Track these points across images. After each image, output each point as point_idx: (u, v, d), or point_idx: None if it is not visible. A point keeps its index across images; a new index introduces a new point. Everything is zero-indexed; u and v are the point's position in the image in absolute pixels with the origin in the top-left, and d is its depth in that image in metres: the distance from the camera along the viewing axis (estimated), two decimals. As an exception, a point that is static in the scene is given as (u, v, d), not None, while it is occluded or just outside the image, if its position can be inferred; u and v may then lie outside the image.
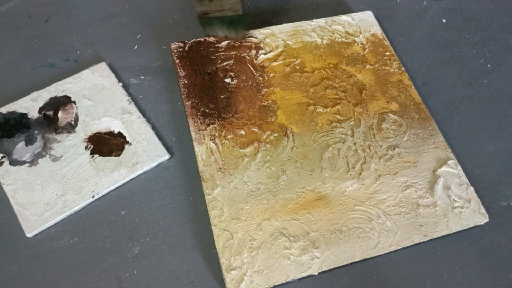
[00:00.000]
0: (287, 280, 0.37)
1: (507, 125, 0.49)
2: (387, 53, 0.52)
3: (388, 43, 0.53)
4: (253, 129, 0.45)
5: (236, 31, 0.45)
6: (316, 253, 0.38)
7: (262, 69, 0.49)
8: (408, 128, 0.46)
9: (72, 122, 0.45)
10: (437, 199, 0.42)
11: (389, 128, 0.46)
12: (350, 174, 0.43)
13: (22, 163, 0.42)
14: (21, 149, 0.43)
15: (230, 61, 0.49)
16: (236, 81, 0.48)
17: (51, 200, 0.40)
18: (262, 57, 0.50)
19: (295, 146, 0.44)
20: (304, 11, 0.57)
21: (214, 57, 0.49)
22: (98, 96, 0.46)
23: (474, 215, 0.41)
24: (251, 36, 0.51)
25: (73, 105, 0.46)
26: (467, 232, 0.41)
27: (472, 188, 0.43)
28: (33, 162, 0.42)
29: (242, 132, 0.44)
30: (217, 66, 0.49)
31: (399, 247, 0.39)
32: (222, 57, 0.49)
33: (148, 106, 0.47)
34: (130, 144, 0.44)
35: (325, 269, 0.38)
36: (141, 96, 0.48)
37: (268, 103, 0.47)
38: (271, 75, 0.49)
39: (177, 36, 0.52)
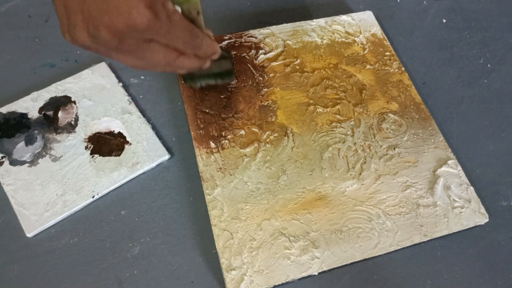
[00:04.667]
0: (287, 280, 0.37)
1: (507, 125, 0.49)
2: (387, 53, 0.52)
3: (388, 43, 0.53)
4: (253, 129, 0.45)
5: (224, 80, 0.45)
6: (316, 253, 0.38)
7: (262, 69, 0.49)
8: (408, 128, 0.46)
9: (72, 122, 0.45)
10: (437, 199, 0.42)
11: (389, 128, 0.46)
12: (350, 174, 0.43)
13: (22, 163, 0.42)
14: (21, 149, 0.43)
15: (230, 61, 0.49)
16: (236, 81, 0.48)
17: (51, 200, 0.40)
18: (262, 57, 0.50)
19: (295, 146, 0.44)
20: (304, 11, 0.57)
21: (214, 57, 0.49)
22: (98, 96, 0.46)
23: (474, 215, 0.41)
24: (252, 37, 0.51)
25: (73, 105, 0.46)
26: (467, 232, 0.41)
27: (472, 188, 0.43)
28: (33, 162, 0.42)
29: (242, 132, 0.44)
30: (217, 66, 0.49)
31: (399, 247, 0.39)
32: (222, 57, 0.49)
33: (148, 106, 0.47)
34: (130, 144, 0.44)
35: (325, 269, 0.38)
36: (141, 96, 0.48)
37: (268, 103, 0.47)
38: (271, 75, 0.49)
39: (177, 36, 0.52)
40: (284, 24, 0.53)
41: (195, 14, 0.33)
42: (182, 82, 0.46)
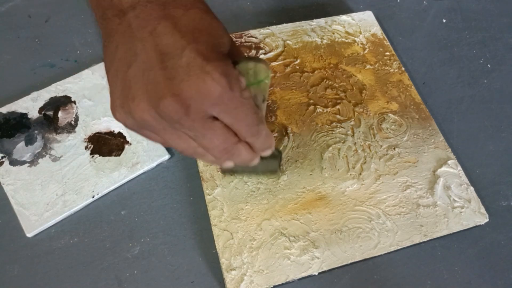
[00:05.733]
0: (287, 280, 0.37)
1: (507, 125, 0.49)
2: (387, 53, 0.52)
3: (388, 43, 0.53)
4: (253, 129, 0.45)
5: (268, 179, 0.42)
6: (316, 253, 0.38)
7: (262, 69, 0.49)
8: (408, 128, 0.46)
9: (72, 122, 0.45)
10: (437, 199, 0.42)
11: (389, 128, 0.46)
12: (350, 174, 0.43)
13: (22, 163, 0.42)
14: (21, 149, 0.43)
15: (230, 61, 0.49)
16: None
17: (51, 200, 0.40)
18: (262, 57, 0.50)
19: (295, 146, 0.44)
20: (304, 11, 0.57)
21: (214, 57, 0.49)
22: (98, 96, 0.46)
23: (474, 215, 0.41)
24: (251, 37, 0.51)
25: (73, 105, 0.46)
26: (467, 232, 0.41)
27: (472, 188, 0.43)
28: (33, 162, 0.42)
29: (242, 132, 0.44)
30: (217, 66, 0.49)
31: (399, 247, 0.39)
32: (222, 57, 0.49)
33: (148, 106, 0.47)
34: (130, 144, 0.44)
35: (325, 269, 0.38)
36: (141, 96, 0.48)
37: (268, 103, 0.47)
38: (271, 75, 0.49)
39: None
40: (284, 24, 0.53)
41: (261, 101, 0.30)
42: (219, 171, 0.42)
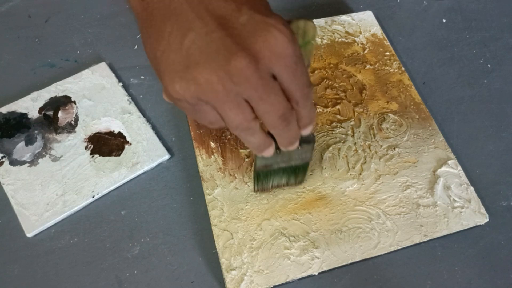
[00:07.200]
0: (287, 280, 0.37)
1: (507, 125, 0.49)
2: (387, 53, 0.52)
3: (388, 43, 0.53)
4: (253, 129, 0.45)
5: (297, 178, 0.40)
6: (316, 253, 0.38)
7: (262, 69, 0.49)
8: (408, 128, 0.46)
9: (72, 122, 0.45)
10: (437, 199, 0.42)
11: (389, 128, 0.46)
12: (350, 174, 0.43)
13: (22, 163, 0.42)
14: (21, 149, 0.43)
15: (230, 61, 0.49)
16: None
17: (51, 200, 0.40)
18: (262, 57, 0.50)
19: (295, 146, 0.44)
20: (304, 11, 0.57)
21: (214, 57, 0.49)
22: (98, 96, 0.46)
23: (474, 215, 0.41)
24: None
25: (73, 105, 0.46)
26: (467, 232, 0.41)
27: (472, 188, 0.43)
28: (33, 162, 0.42)
29: (242, 132, 0.44)
30: (217, 66, 0.49)
31: (399, 247, 0.39)
32: (222, 57, 0.49)
33: (148, 106, 0.47)
34: (130, 144, 0.44)
35: (325, 269, 0.38)
36: (141, 96, 0.48)
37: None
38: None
39: (177, 36, 0.52)
40: (284, 24, 0.53)
41: (306, 65, 0.29)
42: (254, 189, 0.41)
